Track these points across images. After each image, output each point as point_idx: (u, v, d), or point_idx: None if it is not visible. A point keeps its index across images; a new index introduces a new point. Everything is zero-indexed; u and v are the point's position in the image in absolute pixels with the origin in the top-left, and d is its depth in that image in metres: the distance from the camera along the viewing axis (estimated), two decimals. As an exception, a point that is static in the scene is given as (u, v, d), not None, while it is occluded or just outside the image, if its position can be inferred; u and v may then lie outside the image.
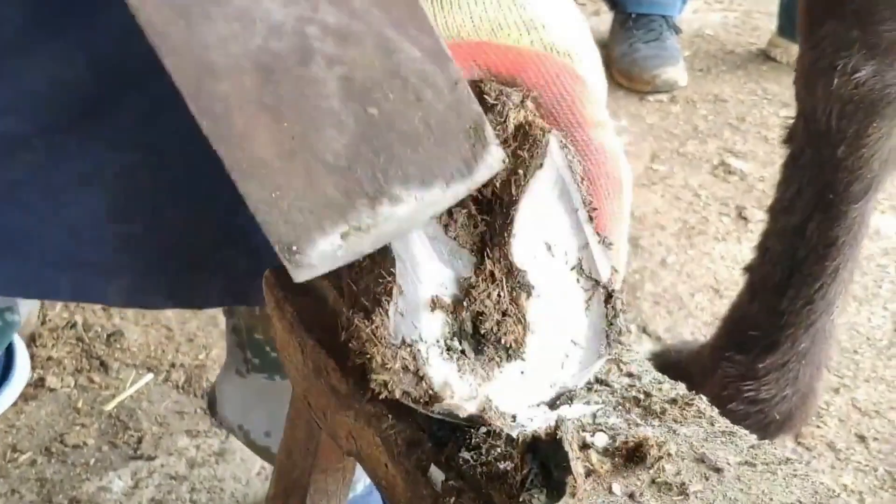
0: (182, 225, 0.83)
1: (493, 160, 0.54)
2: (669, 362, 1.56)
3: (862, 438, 1.60)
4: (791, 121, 1.35)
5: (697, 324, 1.85)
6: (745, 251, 1.94)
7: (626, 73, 2.68)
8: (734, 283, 1.87)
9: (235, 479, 1.53)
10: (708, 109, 2.63)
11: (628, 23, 2.75)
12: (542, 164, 0.57)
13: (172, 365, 1.75)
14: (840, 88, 1.20)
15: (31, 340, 1.76)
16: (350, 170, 0.52)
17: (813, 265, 1.33)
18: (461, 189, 0.54)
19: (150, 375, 1.72)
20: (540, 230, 0.58)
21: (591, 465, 0.56)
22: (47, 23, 0.72)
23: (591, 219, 0.59)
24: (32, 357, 1.72)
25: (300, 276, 0.53)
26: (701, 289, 1.95)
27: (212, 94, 0.50)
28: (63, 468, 1.54)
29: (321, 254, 0.52)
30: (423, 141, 0.53)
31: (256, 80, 0.50)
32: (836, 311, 1.37)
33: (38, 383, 1.68)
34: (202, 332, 1.81)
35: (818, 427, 1.61)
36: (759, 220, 2.04)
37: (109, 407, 1.65)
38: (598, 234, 0.59)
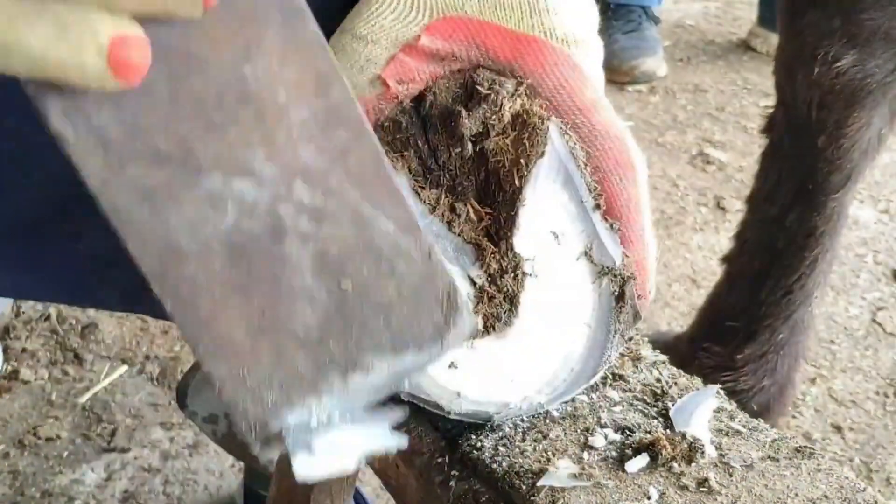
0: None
1: (465, 325, 0.53)
2: (646, 353, 1.55)
3: (838, 428, 1.61)
4: (771, 110, 1.34)
5: (674, 314, 1.85)
6: (723, 241, 1.95)
7: (605, 63, 2.65)
8: (712, 273, 1.87)
9: (209, 471, 1.52)
10: (687, 99, 2.63)
11: (607, 13, 2.75)
12: (543, 153, 0.57)
13: (147, 357, 1.73)
14: (821, 78, 1.19)
15: (5, 332, 1.74)
16: (322, 343, 0.51)
17: (792, 256, 1.32)
18: (433, 354, 0.53)
19: (125, 368, 1.70)
20: (546, 219, 0.57)
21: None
22: None
23: (597, 206, 0.58)
24: (6, 349, 1.70)
25: (265, 455, 0.52)
26: (678, 279, 1.95)
27: (178, 277, 0.48)
28: (36, 461, 1.52)
29: (290, 429, 0.51)
30: (395, 310, 0.52)
31: (226, 261, 0.49)
32: (815, 301, 1.36)
33: (11, 375, 1.66)
34: (177, 324, 1.80)
35: (794, 417, 1.62)
36: (737, 211, 2.04)
37: (83, 399, 1.63)
38: (606, 219, 0.58)
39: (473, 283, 0.57)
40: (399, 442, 0.52)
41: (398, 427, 0.53)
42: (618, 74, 2.65)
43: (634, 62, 2.64)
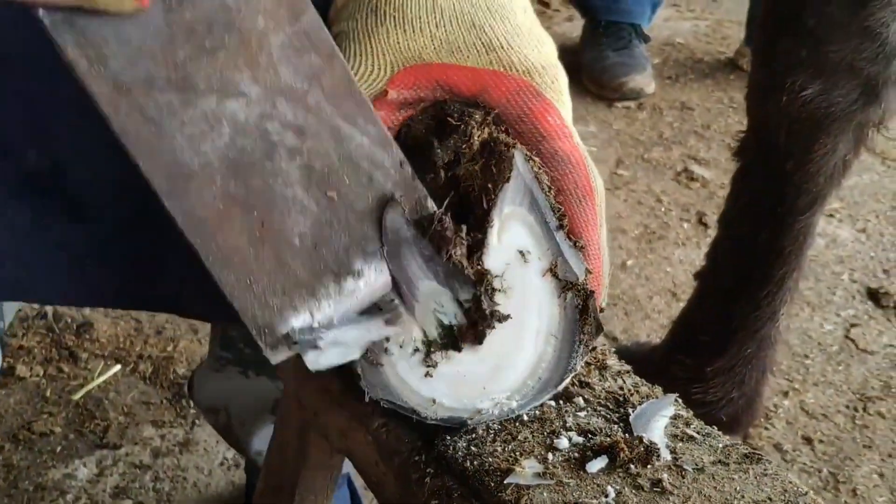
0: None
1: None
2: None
3: (808, 440, 1.66)
4: (742, 134, 1.40)
5: (654, 326, 1.90)
6: (704, 256, 2.00)
7: (595, 79, 2.72)
8: (692, 287, 1.91)
9: (198, 469, 1.56)
10: (674, 116, 2.68)
11: (598, 30, 2.79)
12: (509, 178, 0.61)
13: (140, 357, 1.77)
14: (789, 105, 1.24)
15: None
16: (316, 250, 0.57)
17: (760, 274, 1.37)
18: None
19: (118, 366, 1.74)
20: (514, 239, 0.62)
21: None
22: None
23: (561, 226, 0.63)
24: (3, 346, 1.74)
25: (276, 357, 0.57)
26: (659, 292, 2.00)
27: (185, 191, 0.54)
28: (30, 455, 1.56)
29: (293, 331, 0.57)
30: (376, 217, 0.58)
31: (225, 176, 0.54)
32: (782, 317, 1.41)
33: (7, 372, 1.70)
34: (170, 325, 1.84)
35: (766, 428, 1.67)
36: (718, 227, 2.09)
37: (77, 396, 1.67)
38: (569, 238, 0.63)
39: (462, 305, 0.62)
40: (394, 330, 0.58)
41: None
42: (607, 90, 2.70)
43: (623, 79, 2.68)
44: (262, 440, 1.24)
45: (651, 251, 2.13)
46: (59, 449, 1.58)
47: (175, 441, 1.60)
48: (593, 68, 2.73)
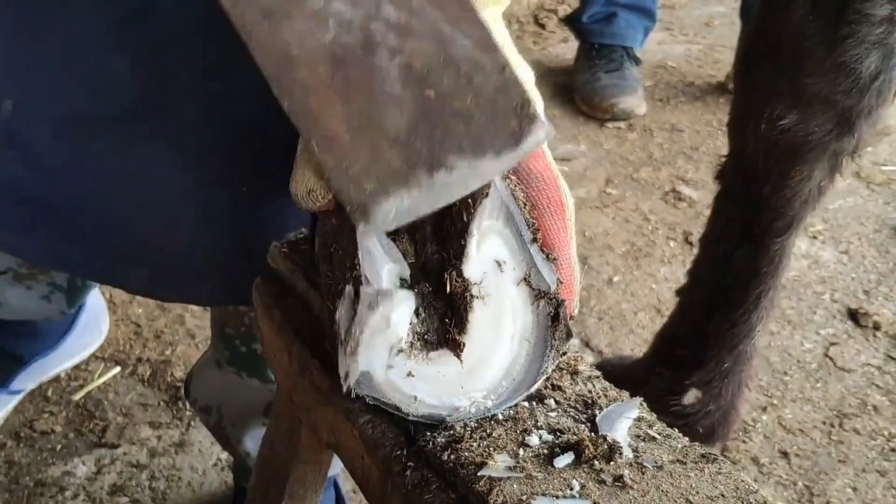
0: (192, 231, 0.92)
1: (541, 132, 0.61)
2: (605, 374, 1.64)
3: (785, 454, 1.70)
4: (724, 159, 1.45)
5: (638, 340, 1.94)
6: (685, 274, 2.04)
7: (587, 100, 2.77)
8: (675, 303, 1.97)
9: (193, 469, 1.60)
10: (664, 138, 2.72)
11: (591, 52, 2.84)
12: (487, 194, 0.66)
13: (139, 359, 1.82)
14: (767, 133, 1.29)
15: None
16: (410, 143, 0.59)
17: (737, 292, 1.42)
18: (511, 158, 0.61)
19: (118, 369, 1.79)
20: (491, 250, 0.67)
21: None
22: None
23: (535, 239, 0.67)
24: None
25: (369, 232, 0.61)
26: (643, 308, 2.05)
27: (292, 79, 0.58)
28: (31, 452, 1.61)
29: (386, 214, 0.59)
30: (474, 117, 0.60)
31: (329, 69, 0.58)
32: (758, 334, 1.46)
33: (9, 372, 1.74)
34: (169, 330, 1.88)
35: (744, 442, 1.71)
36: (702, 246, 2.13)
37: (77, 397, 1.72)
38: (542, 251, 0.68)
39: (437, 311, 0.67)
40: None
41: None
42: (598, 111, 2.75)
43: (614, 100, 2.73)
44: (251, 441, 1.28)
45: (637, 268, 2.17)
46: (59, 447, 1.62)
47: (171, 442, 1.65)
48: (586, 89, 2.78)
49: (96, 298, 1.68)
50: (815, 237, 2.31)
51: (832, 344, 1.97)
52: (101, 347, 1.81)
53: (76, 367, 1.77)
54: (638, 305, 2.06)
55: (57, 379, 1.74)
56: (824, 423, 1.77)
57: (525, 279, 0.67)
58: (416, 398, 0.67)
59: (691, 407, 1.47)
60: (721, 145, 2.67)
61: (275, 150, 0.79)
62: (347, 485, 1.50)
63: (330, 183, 0.60)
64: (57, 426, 1.66)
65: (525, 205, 0.68)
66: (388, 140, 0.59)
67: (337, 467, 1.19)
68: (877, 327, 2.02)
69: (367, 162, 0.59)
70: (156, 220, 0.91)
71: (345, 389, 0.66)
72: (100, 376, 1.76)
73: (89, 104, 0.86)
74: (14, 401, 1.61)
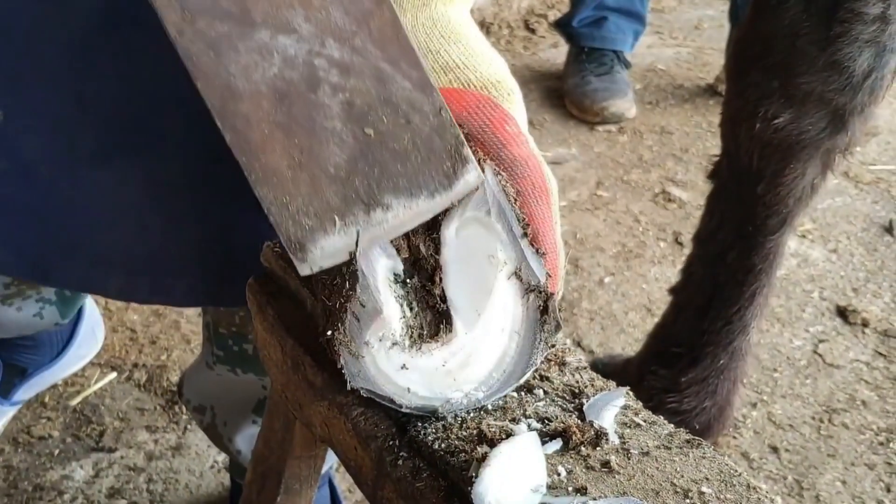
0: (163, 233, 0.93)
1: (471, 177, 0.63)
2: (598, 373, 1.65)
3: (775, 449, 1.72)
4: (716, 158, 1.46)
5: (629, 340, 1.96)
6: (679, 272, 2.06)
7: (577, 103, 2.79)
8: (666, 303, 1.97)
9: (190, 471, 1.61)
10: (654, 140, 2.74)
11: (581, 56, 2.86)
12: (477, 188, 0.66)
13: (135, 365, 1.83)
14: (761, 132, 1.30)
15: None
16: (349, 180, 0.61)
17: (732, 290, 1.43)
18: (443, 201, 0.63)
19: (114, 374, 1.80)
20: (482, 245, 0.68)
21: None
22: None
23: (525, 234, 0.68)
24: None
25: (305, 270, 0.62)
26: (634, 308, 2.06)
27: (234, 112, 0.59)
28: (29, 457, 1.61)
29: (323, 251, 0.61)
30: (411, 158, 0.61)
31: (272, 103, 0.59)
32: (752, 331, 1.47)
33: (6, 378, 1.75)
34: (164, 335, 1.89)
35: (734, 437, 1.73)
36: (692, 246, 2.15)
37: (74, 402, 1.73)
38: (532, 245, 0.69)
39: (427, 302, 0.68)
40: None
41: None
42: (589, 114, 2.77)
43: (604, 103, 2.75)
44: (244, 440, 1.29)
45: (628, 269, 2.19)
46: (56, 452, 1.63)
47: (168, 445, 1.66)
48: (576, 93, 2.80)
49: (92, 308, 1.68)
50: (804, 236, 2.33)
51: (821, 341, 1.99)
52: (97, 353, 1.81)
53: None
54: (629, 305, 2.07)
55: (54, 385, 1.74)
56: (814, 418, 1.79)
57: (516, 273, 0.68)
58: (409, 390, 0.68)
59: (688, 404, 1.48)
60: (710, 147, 2.69)
61: None
62: (343, 484, 1.52)
63: (269, 217, 0.61)
64: (54, 431, 1.67)
65: (516, 200, 0.69)
66: (328, 176, 0.60)
67: (330, 464, 1.19)
68: (865, 324, 2.04)
69: (307, 197, 0.60)
70: (128, 222, 0.92)
71: (348, 382, 0.67)
72: (96, 382, 1.77)
73: (75, 112, 0.87)
74: (13, 410, 1.62)
